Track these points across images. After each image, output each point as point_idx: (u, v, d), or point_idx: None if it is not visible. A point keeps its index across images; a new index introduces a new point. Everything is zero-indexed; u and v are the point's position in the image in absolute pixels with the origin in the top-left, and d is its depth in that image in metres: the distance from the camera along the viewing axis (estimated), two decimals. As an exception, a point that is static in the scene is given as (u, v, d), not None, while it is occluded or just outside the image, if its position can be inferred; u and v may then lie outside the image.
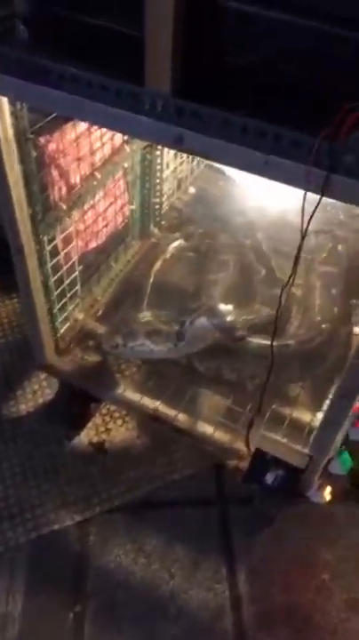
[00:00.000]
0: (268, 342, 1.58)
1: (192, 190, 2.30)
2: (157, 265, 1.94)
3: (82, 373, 1.70)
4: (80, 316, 1.80)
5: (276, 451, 1.34)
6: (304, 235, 1.03)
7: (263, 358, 1.59)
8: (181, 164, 2.18)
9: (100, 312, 1.83)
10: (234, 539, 1.60)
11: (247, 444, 1.38)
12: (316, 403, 1.54)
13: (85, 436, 1.84)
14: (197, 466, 1.72)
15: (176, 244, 1.99)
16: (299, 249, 1.07)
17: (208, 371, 1.59)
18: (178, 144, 0.98)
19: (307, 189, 0.93)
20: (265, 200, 2.09)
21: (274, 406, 1.55)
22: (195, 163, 2.30)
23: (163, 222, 2.14)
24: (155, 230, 2.10)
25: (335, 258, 1.87)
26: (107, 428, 1.91)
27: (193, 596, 1.50)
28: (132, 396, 1.62)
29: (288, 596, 1.51)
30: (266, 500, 1.51)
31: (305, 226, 1.00)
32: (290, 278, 1.12)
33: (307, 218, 0.99)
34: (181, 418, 1.53)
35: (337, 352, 1.61)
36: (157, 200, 2.09)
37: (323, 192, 0.91)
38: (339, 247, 1.90)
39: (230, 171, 2.32)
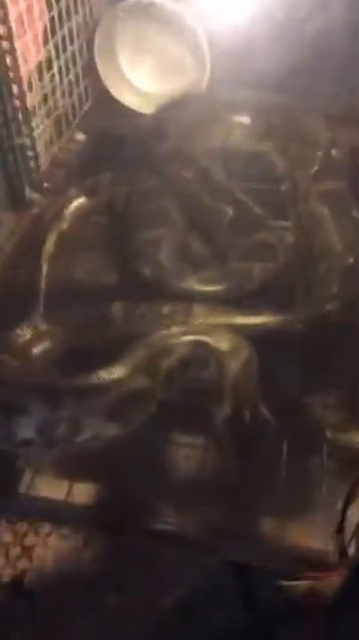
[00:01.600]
0: (280, 317, 0.84)
1: (80, 137, 1.52)
2: (50, 244, 1.13)
3: None
4: None
5: None
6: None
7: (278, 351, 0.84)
8: (54, 91, 1.40)
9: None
10: None
11: (343, 550, 0.60)
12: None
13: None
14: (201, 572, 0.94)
15: (76, 204, 1.19)
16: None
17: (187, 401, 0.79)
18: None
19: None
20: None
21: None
22: (79, 90, 1.52)
23: (45, 185, 1.34)
24: (35, 195, 1.30)
25: (332, 168, 1.17)
26: (26, 547, 1.08)
27: None
28: (54, 491, 0.79)
29: None
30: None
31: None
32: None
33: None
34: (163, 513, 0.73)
35: None
36: (30, 153, 1.29)
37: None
38: (334, 151, 1.20)
39: (139, 99, 1.58)
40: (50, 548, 1.12)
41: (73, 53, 1.48)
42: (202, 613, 1.07)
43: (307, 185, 1.12)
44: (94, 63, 1.56)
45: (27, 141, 1.25)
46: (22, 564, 1.09)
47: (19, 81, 1.21)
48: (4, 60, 1.16)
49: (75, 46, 1.49)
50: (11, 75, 1.18)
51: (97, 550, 1.12)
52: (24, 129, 1.25)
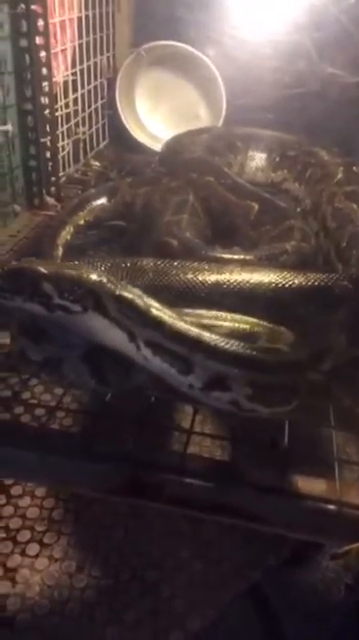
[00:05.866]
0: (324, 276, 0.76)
1: (97, 164, 1.53)
2: (66, 233, 1.08)
3: None
4: None
5: None
6: None
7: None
8: (76, 114, 1.43)
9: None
10: None
11: None
12: None
13: None
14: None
15: (95, 203, 1.16)
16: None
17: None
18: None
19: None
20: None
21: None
22: (98, 126, 1.56)
23: (62, 194, 1.32)
24: (51, 200, 1.27)
25: (356, 177, 1.16)
26: (9, 568, 0.94)
27: None
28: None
29: None
30: None
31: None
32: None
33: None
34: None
35: None
36: (50, 163, 1.29)
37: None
38: (355, 168, 1.21)
39: (156, 142, 1.61)
40: (37, 571, 0.94)
41: (95, 88, 1.54)
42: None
43: (330, 190, 1.12)
44: (116, 103, 1.62)
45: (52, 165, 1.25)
46: (3, 587, 0.91)
47: (50, 91, 1.24)
48: (41, 69, 1.18)
49: (99, 82, 1.56)
50: (44, 84, 1.20)
51: (93, 575, 0.95)
52: (49, 136, 1.25)
